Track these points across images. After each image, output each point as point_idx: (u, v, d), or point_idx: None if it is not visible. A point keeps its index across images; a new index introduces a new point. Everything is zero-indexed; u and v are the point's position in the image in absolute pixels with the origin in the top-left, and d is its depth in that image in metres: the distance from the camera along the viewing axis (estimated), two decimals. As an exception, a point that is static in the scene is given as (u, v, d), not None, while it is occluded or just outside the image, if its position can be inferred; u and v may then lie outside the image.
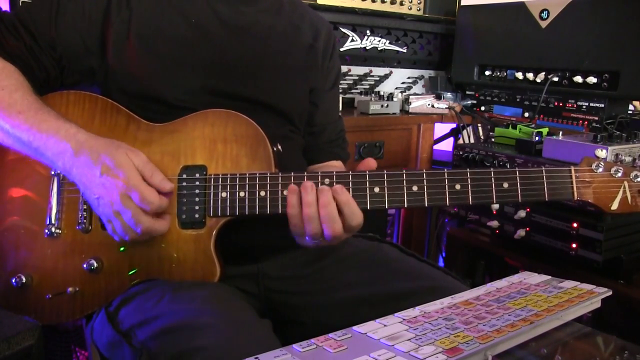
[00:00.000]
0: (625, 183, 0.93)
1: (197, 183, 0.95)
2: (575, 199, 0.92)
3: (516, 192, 0.91)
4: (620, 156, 0.96)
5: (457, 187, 0.91)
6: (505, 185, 0.91)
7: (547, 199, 0.92)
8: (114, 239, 0.92)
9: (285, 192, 0.90)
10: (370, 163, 0.93)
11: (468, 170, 0.91)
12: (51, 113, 0.94)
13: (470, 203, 0.91)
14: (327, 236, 0.88)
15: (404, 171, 0.91)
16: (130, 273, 0.95)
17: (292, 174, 0.91)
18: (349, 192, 0.89)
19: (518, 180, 0.91)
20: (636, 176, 0.93)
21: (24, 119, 0.92)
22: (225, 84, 1.05)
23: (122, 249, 0.95)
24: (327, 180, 0.91)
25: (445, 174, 0.91)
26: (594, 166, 0.93)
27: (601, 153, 0.96)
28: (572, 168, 0.93)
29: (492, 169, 0.92)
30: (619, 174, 0.93)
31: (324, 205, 0.87)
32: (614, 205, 0.93)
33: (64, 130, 0.91)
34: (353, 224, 0.89)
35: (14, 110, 0.93)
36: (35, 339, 0.72)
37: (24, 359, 0.71)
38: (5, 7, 1.35)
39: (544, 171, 0.92)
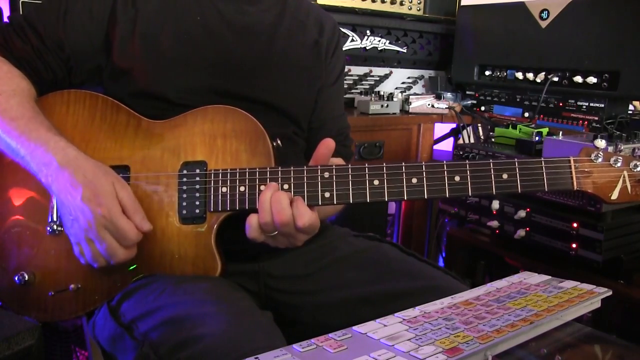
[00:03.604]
0: (625, 172, 0.92)
1: (198, 178, 0.95)
2: (575, 189, 0.92)
3: (516, 183, 0.91)
4: (619, 146, 0.95)
5: (457, 178, 0.91)
6: (505, 176, 0.91)
7: (546, 189, 0.92)
8: (80, 261, 0.92)
9: (285, 187, 0.91)
10: (329, 144, 0.93)
11: (467, 162, 0.91)
12: (44, 123, 0.93)
13: (470, 194, 0.91)
14: (278, 225, 0.87)
15: (403, 163, 0.91)
16: (130, 268, 0.96)
17: (292, 167, 0.92)
18: (349, 184, 0.90)
19: (517, 171, 0.91)
20: (635, 165, 0.92)
21: (15, 126, 0.92)
22: (229, 84, 1.05)
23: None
24: (326, 174, 0.91)
25: (445, 166, 0.91)
26: (593, 156, 0.93)
27: (600, 143, 0.95)
28: (572, 158, 0.93)
29: (491, 160, 0.92)
30: (619, 164, 0.92)
31: (276, 199, 0.88)
32: (614, 195, 0.92)
33: (53, 142, 0.91)
34: (299, 224, 0.87)
35: (8, 116, 0.93)
36: (35, 339, 0.72)
37: (24, 359, 0.71)
38: (5, 7, 1.35)
39: (543, 162, 0.92)
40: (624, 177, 0.92)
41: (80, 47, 1.02)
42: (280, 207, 0.87)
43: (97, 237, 0.87)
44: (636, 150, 0.95)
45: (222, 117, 0.97)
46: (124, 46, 1.01)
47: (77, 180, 0.87)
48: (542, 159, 0.92)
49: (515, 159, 0.92)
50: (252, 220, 0.90)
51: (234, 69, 1.06)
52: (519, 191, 0.91)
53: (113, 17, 1.02)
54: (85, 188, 0.87)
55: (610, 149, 1.32)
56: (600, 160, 0.92)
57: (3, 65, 0.98)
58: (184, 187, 0.95)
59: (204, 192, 0.95)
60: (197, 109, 0.98)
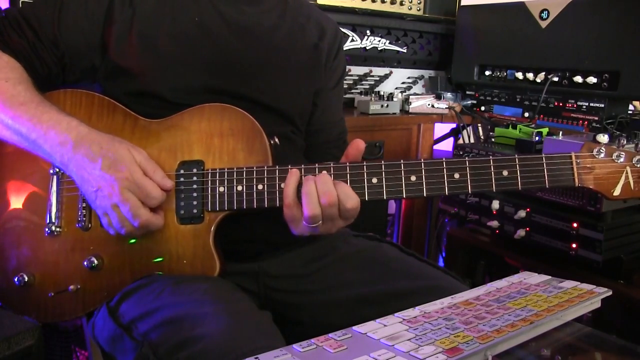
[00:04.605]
0: (628, 168, 0.91)
1: (195, 178, 0.95)
2: (577, 185, 0.91)
3: (516, 180, 0.90)
4: (622, 141, 0.92)
5: (456, 176, 0.90)
6: (505, 173, 0.90)
7: (547, 186, 0.91)
8: (109, 232, 0.93)
9: (282, 185, 0.91)
10: (359, 145, 0.93)
11: (467, 158, 0.90)
12: (53, 107, 0.94)
13: (470, 192, 0.91)
14: (324, 206, 0.87)
15: (402, 161, 0.90)
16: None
17: (289, 166, 0.92)
18: (347, 182, 0.90)
19: (518, 167, 0.90)
20: (639, 161, 0.91)
21: (25, 110, 0.92)
22: (227, 84, 1.05)
23: (132, 241, 0.95)
24: (324, 173, 0.91)
25: (444, 163, 0.90)
26: (595, 152, 0.91)
27: (603, 138, 0.93)
28: (573, 154, 0.91)
29: (491, 157, 0.91)
30: (621, 159, 0.91)
31: (321, 181, 0.87)
32: (616, 191, 0.91)
33: (66, 122, 0.92)
34: (347, 206, 0.88)
35: (17, 101, 0.93)
36: (35, 339, 0.72)
37: (24, 359, 0.71)
38: (5, 4, 1.35)
39: (544, 158, 0.91)
40: (626, 172, 0.91)
41: (75, 45, 1.02)
42: (326, 188, 0.87)
43: (121, 200, 0.88)
44: (639, 146, 0.93)
45: (219, 116, 0.97)
46: (120, 45, 1.01)
47: (95, 153, 0.89)
48: (543, 155, 0.91)
49: (516, 156, 0.91)
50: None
51: (231, 69, 1.06)
52: (519, 188, 0.90)
53: (110, 17, 1.02)
54: (103, 158, 0.88)
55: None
56: (602, 155, 0.91)
57: (3, 55, 0.98)
58: (182, 187, 0.95)
59: (201, 191, 0.95)
60: (194, 107, 0.98)
